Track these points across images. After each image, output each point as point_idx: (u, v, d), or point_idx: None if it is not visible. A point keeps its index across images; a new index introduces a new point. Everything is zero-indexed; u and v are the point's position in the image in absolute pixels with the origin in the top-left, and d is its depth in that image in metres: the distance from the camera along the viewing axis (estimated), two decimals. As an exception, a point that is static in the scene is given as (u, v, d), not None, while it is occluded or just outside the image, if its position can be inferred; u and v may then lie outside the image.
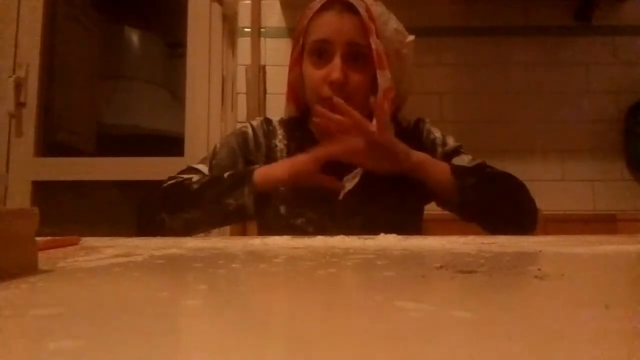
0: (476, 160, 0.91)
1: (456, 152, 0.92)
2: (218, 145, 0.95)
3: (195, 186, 0.83)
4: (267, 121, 0.97)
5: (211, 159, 0.92)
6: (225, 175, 0.84)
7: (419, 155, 0.82)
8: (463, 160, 0.90)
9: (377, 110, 0.81)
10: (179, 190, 0.84)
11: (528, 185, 0.87)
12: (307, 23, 0.88)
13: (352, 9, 0.85)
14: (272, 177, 0.82)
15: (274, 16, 1.77)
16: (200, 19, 1.77)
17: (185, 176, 0.88)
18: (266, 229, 0.89)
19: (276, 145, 0.93)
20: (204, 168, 0.90)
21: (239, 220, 0.81)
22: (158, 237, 0.72)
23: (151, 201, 0.86)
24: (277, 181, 0.82)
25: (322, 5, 0.87)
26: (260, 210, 0.84)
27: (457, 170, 0.83)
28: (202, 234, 0.87)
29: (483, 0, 1.74)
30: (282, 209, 0.88)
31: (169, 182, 0.87)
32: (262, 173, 0.82)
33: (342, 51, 0.84)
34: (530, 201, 0.86)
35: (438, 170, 0.82)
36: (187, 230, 0.82)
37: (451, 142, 0.94)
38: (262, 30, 1.76)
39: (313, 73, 0.86)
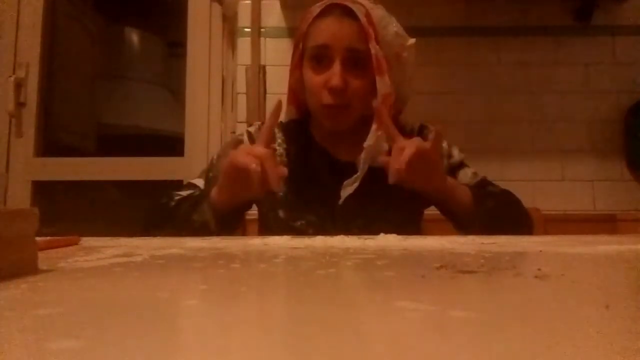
0: (478, 175, 0.93)
1: (460, 165, 0.94)
2: (214, 157, 0.94)
3: (172, 204, 0.85)
4: None
5: (207, 171, 0.92)
6: (196, 192, 0.85)
7: (450, 179, 0.83)
8: (466, 173, 0.92)
9: (435, 134, 0.78)
10: (161, 207, 0.86)
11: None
12: (307, 28, 0.88)
13: (351, 14, 0.84)
14: (221, 194, 0.78)
15: (274, 16, 1.77)
16: (200, 19, 1.77)
17: (181, 193, 0.88)
18: (266, 232, 0.89)
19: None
20: (201, 182, 0.90)
21: (210, 233, 0.81)
22: (158, 237, 0.72)
23: (145, 217, 0.88)
24: (225, 197, 0.78)
25: (322, 10, 0.87)
26: (227, 226, 0.82)
27: (477, 195, 0.84)
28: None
29: (483, 0, 1.74)
30: (281, 213, 0.88)
31: (161, 201, 0.88)
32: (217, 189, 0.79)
33: (342, 57, 0.84)
34: (528, 216, 0.91)
35: (461, 193, 0.83)
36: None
37: (456, 154, 0.95)
38: (262, 30, 1.76)
39: (313, 79, 0.86)
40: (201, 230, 0.79)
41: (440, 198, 0.83)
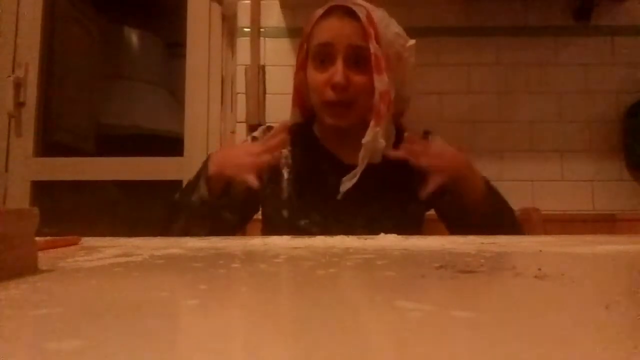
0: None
1: None
2: None
3: (176, 195, 0.88)
4: (270, 129, 0.98)
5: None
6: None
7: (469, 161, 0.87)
8: None
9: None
10: (168, 204, 0.89)
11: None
12: (311, 29, 0.90)
13: (352, 15, 0.86)
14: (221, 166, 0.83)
15: (273, 16, 1.77)
16: (199, 19, 1.77)
17: None
18: (271, 232, 0.89)
19: (280, 152, 0.94)
20: None
21: (212, 215, 0.83)
22: (158, 237, 0.72)
23: (159, 223, 0.90)
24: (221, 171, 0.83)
25: (325, 11, 0.89)
26: (223, 203, 0.86)
27: (489, 187, 0.87)
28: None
29: (483, 0, 1.74)
30: (285, 213, 0.89)
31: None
32: (219, 158, 0.85)
33: (344, 54, 0.85)
34: (519, 228, 0.92)
35: (477, 180, 0.86)
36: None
37: None
38: (261, 30, 1.76)
39: (316, 77, 0.88)
40: (201, 209, 0.82)
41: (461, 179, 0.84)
